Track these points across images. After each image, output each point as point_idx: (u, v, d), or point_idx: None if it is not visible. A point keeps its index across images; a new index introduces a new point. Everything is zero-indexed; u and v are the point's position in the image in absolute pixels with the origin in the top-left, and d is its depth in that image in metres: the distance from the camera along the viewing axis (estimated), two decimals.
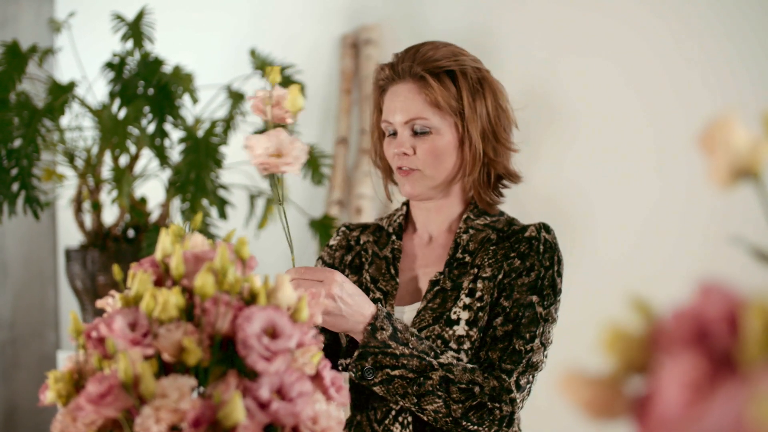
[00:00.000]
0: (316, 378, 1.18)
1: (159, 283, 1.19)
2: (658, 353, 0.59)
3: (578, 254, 2.84)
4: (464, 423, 1.68)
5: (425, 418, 1.73)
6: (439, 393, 1.65)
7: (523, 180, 1.90)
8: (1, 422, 3.61)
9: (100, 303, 1.21)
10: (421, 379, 1.65)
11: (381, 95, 1.87)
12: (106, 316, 1.13)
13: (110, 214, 3.11)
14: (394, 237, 1.92)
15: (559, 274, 1.79)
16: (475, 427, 1.68)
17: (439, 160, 1.79)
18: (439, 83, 1.77)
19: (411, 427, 1.76)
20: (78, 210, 3.01)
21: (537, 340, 1.74)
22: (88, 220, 3.03)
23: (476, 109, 1.78)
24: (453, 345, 1.74)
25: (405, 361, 1.64)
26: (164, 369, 1.12)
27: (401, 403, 1.71)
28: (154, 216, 3.01)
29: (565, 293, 1.81)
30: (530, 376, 1.74)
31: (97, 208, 2.96)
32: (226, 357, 1.13)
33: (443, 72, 1.78)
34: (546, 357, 1.78)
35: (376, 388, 1.66)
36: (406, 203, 1.97)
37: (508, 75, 2.91)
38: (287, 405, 1.07)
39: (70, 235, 3.55)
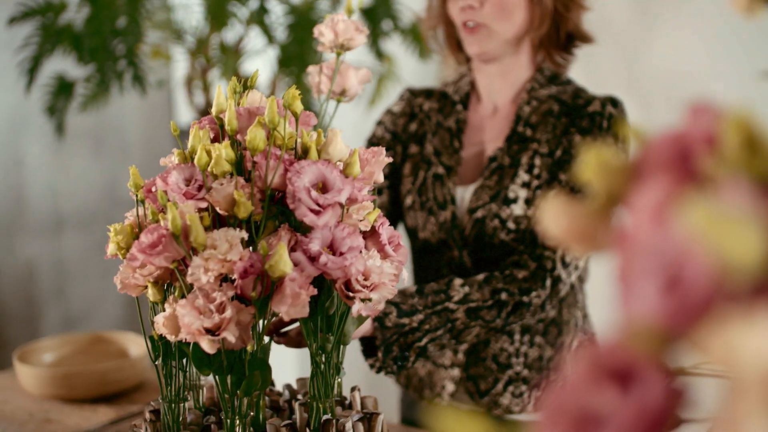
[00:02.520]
0: (373, 235, 1.17)
1: (217, 140, 1.20)
2: (639, 179, 0.55)
3: None
4: (510, 327, 1.63)
5: (472, 342, 1.70)
6: (472, 324, 1.59)
7: (596, 42, 1.75)
8: (126, 296, 3.78)
9: (163, 160, 1.22)
10: (449, 325, 1.57)
11: None
12: (164, 172, 1.15)
13: None
14: (459, 106, 1.81)
15: (624, 152, 1.65)
16: (521, 322, 1.64)
17: (507, 13, 1.67)
18: None
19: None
20: (189, 89, 3.05)
21: None
22: (199, 98, 3.08)
23: None
24: (511, 225, 1.66)
25: (426, 327, 1.55)
26: (220, 223, 1.13)
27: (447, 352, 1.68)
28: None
29: None
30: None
31: (206, 86, 3.00)
32: (279, 212, 1.14)
33: None
34: None
35: (418, 365, 1.60)
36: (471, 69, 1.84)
37: None
38: (336, 259, 1.07)
39: (186, 114, 3.63)
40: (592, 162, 0.56)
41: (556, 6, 1.69)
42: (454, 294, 1.58)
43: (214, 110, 1.18)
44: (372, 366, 1.55)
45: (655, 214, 0.49)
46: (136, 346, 2.08)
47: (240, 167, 1.14)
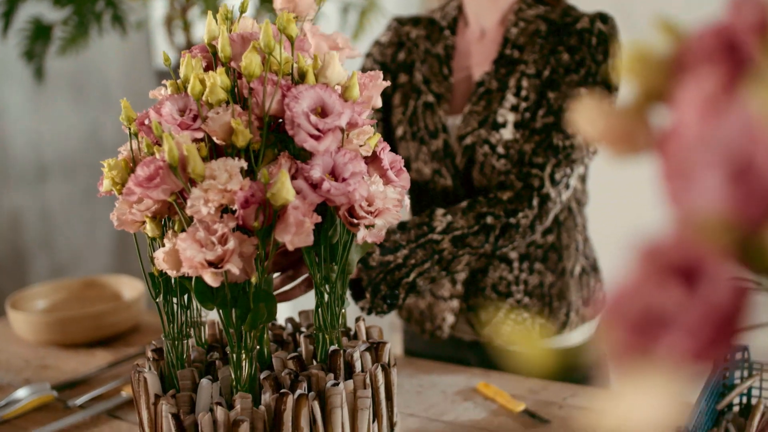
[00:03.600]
0: (375, 161, 1.14)
1: (210, 68, 1.16)
2: (680, 75, 0.53)
3: None
4: (500, 251, 1.58)
5: (464, 274, 1.68)
6: (460, 252, 1.54)
7: None
8: (114, 242, 3.75)
9: (152, 93, 1.18)
10: (436, 257, 1.52)
11: None
12: (157, 103, 1.11)
13: (201, 31, 3.08)
14: (447, 32, 1.76)
15: (615, 69, 1.58)
16: (512, 245, 1.59)
17: None
18: None
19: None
20: (169, 29, 2.99)
21: (580, 136, 1.57)
22: (180, 38, 3.02)
23: None
24: (501, 150, 1.61)
25: (412, 261, 1.50)
26: (217, 154, 1.10)
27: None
28: None
29: None
30: (567, 169, 1.58)
31: (186, 26, 2.94)
32: (278, 139, 1.11)
33: None
34: (594, 151, 1.61)
35: (409, 301, 1.55)
36: None
37: None
38: (339, 185, 1.04)
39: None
40: (629, 59, 0.53)
41: None
42: (436, 224, 1.53)
43: (206, 38, 1.14)
44: (363, 308, 1.51)
45: (706, 107, 0.46)
46: (130, 288, 2.05)
47: (234, 95, 1.10)
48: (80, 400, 1.56)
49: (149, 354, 1.23)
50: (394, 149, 1.79)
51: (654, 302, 0.40)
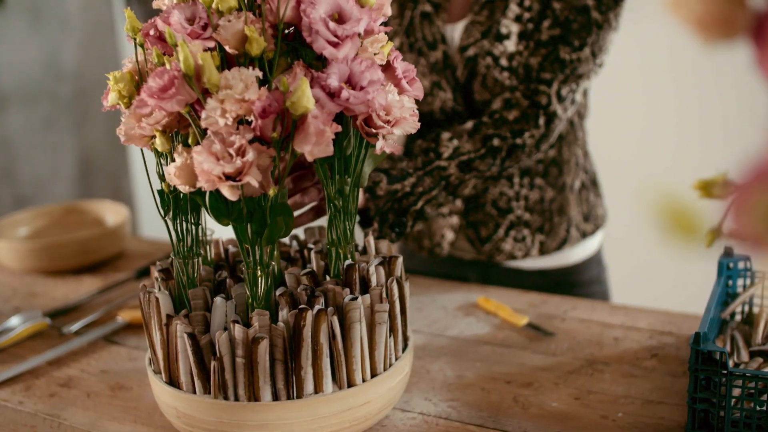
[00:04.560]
0: (388, 69, 1.11)
1: None
2: None
3: None
4: (506, 172, 1.55)
5: (469, 196, 1.66)
6: (467, 177, 1.52)
7: None
8: (77, 170, 3.68)
9: (156, 3, 1.13)
10: (443, 183, 1.50)
11: None
12: (164, 12, 1.07)
13: None
14: None
15: None
16: (519, 164, 1.58)
17: None
18: None
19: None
20: None
21: (587, 49, 1.53)
22: None
23: None
24: (504, 62, 1.57)
25: (420, 189, 1.48)
26: (228, 65, 1.06)
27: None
28: None
29: None
30: (574, 85, 1.55)
31: None
32: (292, 48, 1.07)
33: None
34: (600, 64, 1.58)
35: (417, 229, 1.52)
36: None
37: None
38: (359, 93, 1.01)
39: None
40: None
41: None
42: (443, 150, 1.51)
43: None
44: (371, 233, 1.49)
45: None
46: (112, 214, 2.01)
47: (244, 3, 1.06)
48: (75, 327, 1.53)
49: (156, 274, 1.21)
50: None
51: None
